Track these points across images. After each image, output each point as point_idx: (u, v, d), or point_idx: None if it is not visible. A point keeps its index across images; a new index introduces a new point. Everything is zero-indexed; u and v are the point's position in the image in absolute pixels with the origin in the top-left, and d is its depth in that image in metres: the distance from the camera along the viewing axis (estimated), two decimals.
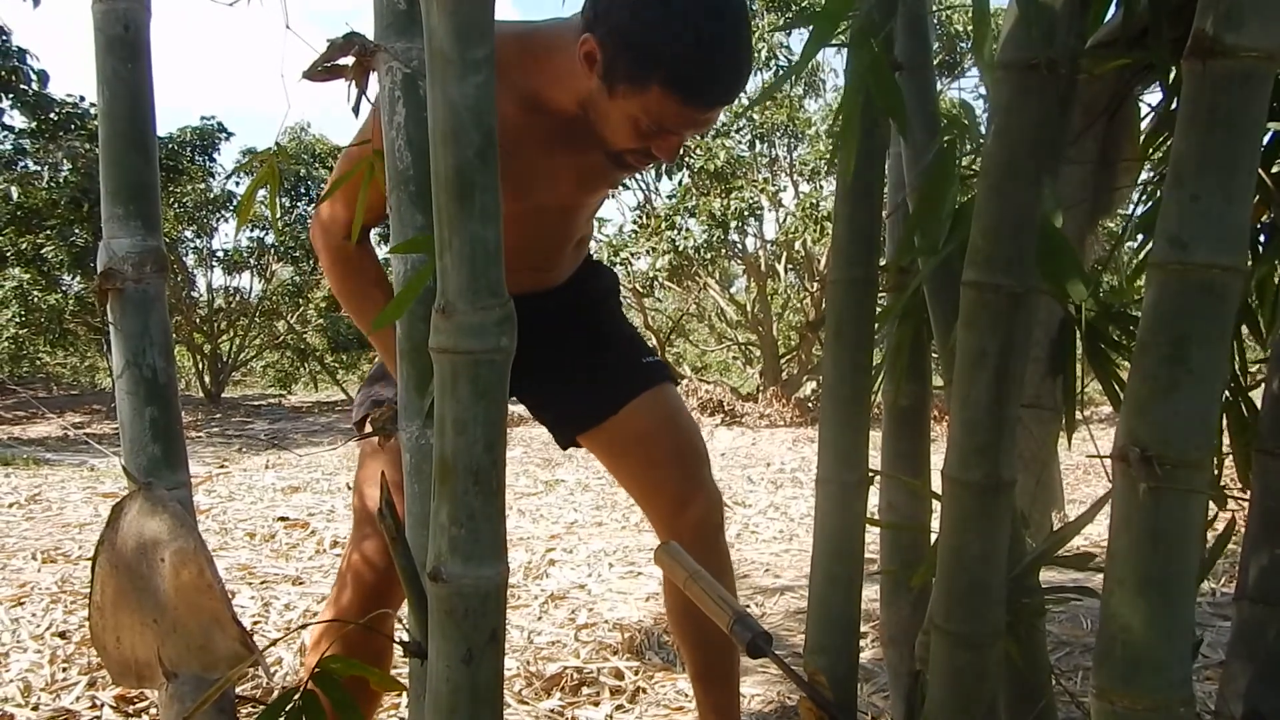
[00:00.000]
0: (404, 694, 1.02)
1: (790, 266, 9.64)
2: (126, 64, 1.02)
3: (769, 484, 5.62)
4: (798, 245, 9.08)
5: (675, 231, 8.86)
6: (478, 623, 0.81)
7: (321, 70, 1.04)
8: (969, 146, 1.20)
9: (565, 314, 1.61)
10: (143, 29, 1.03)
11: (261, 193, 1.33)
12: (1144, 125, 1.42)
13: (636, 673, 2.37)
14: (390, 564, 1.40)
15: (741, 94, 1.31)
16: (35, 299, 9.87)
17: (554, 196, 1.47)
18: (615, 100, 1.26)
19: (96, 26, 1.02)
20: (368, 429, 1.51)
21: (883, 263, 1.29)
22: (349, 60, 1.03)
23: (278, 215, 10.66)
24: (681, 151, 1.38)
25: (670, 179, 9.20)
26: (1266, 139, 1.16)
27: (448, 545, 0.81)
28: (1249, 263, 0.95)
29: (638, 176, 9.52)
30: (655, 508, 1.59)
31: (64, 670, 2.31)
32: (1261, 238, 1.17)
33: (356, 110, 1.08)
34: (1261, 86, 0.69)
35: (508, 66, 1.28)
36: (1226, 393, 1.28)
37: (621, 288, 1.84)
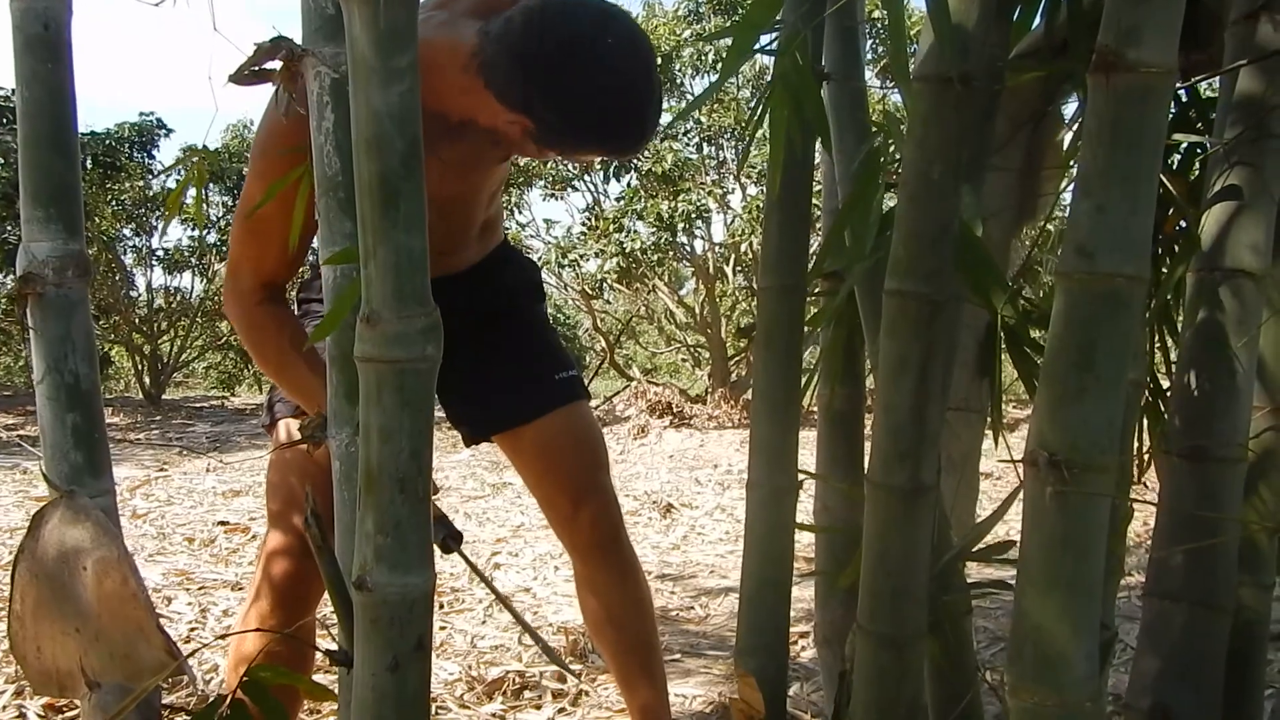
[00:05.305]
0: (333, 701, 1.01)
1: (739, 269, 9.68)
2: (46, 64, 1.00)
3: (716, 485, 5.64)
4: (745, 248, 9.12)
5: (623, 233, 8.86)
6: (404, 630, 0.81)
7: (249, 74, 1.03)
8: (896, 154, 1.22)
9: (480, 310, 1.62)
10: (63, 28, 1.01)
11: (191, 192, 1.32)
12: (1069, 132, 1.46)
13: (579, 675, 2.38)
14: (306, 566, 1.42)
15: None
16: None
17: (442, 189, 1.49)
18: (546, 150, 1.39)
19: (15, 25, 1.00)
20: (288, 434, 1.50)
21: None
22: (276, 64, 1.02)
23: (216, 215, 10.44)
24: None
25: (619, 181, 9.20)
26: (1181, 151, 1.20)
27: (373, 554, 0.81)
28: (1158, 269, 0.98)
29: (587, 178, 9.50)
30: (553, 508, 1.65)
31: None
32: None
33: (286, 115, 1.07)
34: (1160, 100, 0.72)
35: None
36: (1146, 394, 1.32)
37: (543, 279, 1.86)
